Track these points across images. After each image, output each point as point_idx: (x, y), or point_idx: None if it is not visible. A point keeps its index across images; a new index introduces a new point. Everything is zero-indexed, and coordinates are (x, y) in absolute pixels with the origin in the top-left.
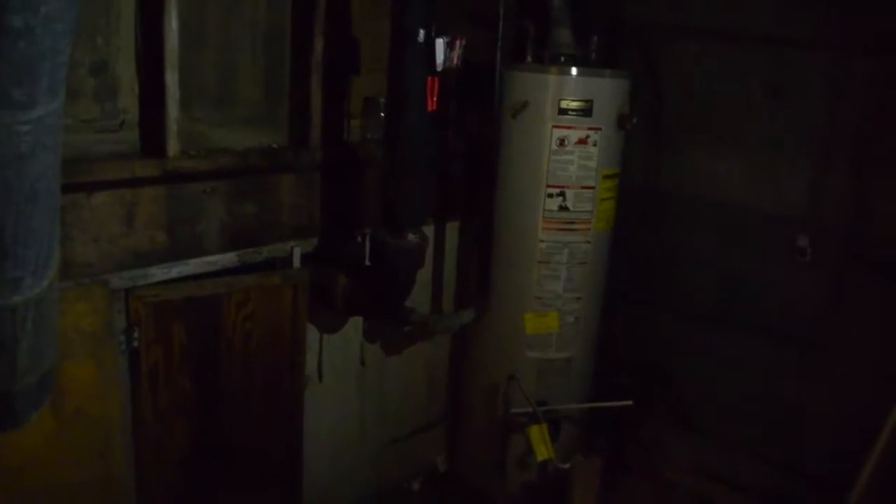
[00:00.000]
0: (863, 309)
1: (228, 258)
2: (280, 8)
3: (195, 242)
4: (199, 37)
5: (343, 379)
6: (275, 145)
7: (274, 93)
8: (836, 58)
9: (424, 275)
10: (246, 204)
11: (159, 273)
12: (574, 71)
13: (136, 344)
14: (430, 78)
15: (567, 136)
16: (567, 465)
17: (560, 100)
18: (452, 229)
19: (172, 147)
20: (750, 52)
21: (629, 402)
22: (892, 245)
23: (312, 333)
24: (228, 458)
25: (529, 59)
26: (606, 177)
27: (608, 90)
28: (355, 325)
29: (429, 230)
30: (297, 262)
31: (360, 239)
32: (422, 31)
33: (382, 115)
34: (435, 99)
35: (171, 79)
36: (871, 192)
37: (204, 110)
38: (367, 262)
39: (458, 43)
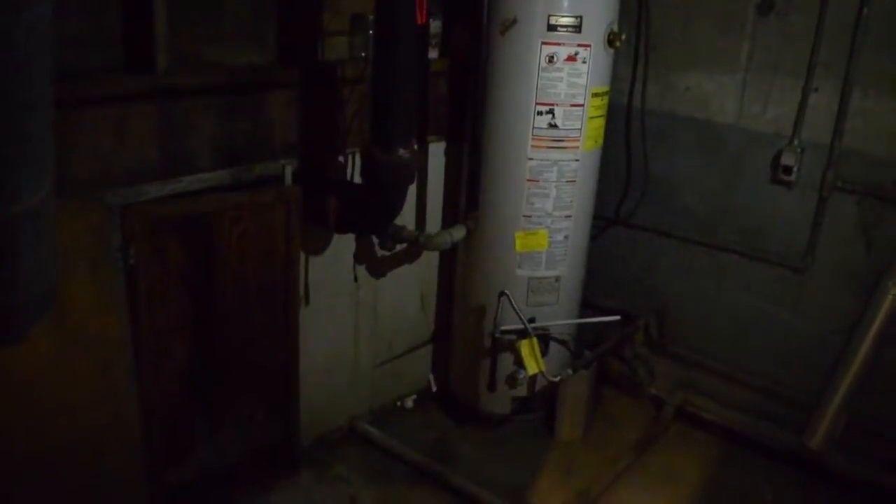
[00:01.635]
0: (838, 232)
1: (221, 176)
2: None
3: (188, 160)
4: None
5: (337, 296)
6: (264, 63)
7: (260, 10)
8: None
9: (411, 195)
10: (237, 121)
11: (153, 190)
12: None
13: (132, 261)
14: None
15: (556, 52)
16: (557, 378)
17: (550, 15)
18: (438, 150)
19: (161, 63)
20: None
21: (617, 317)
22: (864, 164)
23: (303, 252)
24: (226, 373)
25: None
26: (595, 95)
27: (598, 6)
28: (347, 242)
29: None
30: (288, 179)
31: (343, 158)
32: None
33: (371, 32)
34: (424, 12)
35: None
36: (852, 109)
37: (191, 27)
38: (359, 179)
39: None
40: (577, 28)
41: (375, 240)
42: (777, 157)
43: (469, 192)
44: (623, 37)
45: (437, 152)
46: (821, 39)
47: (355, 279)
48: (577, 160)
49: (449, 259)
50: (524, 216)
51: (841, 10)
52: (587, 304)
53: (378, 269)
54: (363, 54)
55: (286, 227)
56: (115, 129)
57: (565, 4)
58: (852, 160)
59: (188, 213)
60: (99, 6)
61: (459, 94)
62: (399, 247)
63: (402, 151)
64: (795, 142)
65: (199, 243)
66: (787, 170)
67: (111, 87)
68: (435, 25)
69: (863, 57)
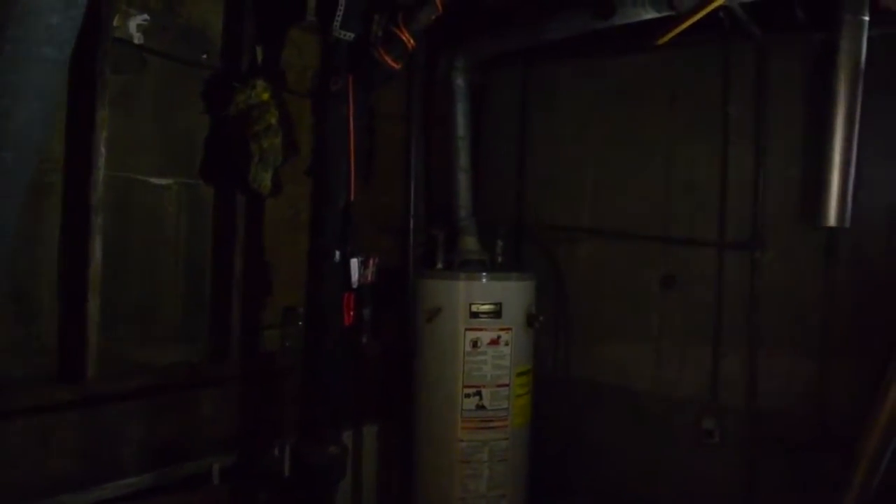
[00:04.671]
0: (773, 486)
1: (146, 479)
2: (200, 231)
3: (113, 464)
4: (123, 259)
5: None
6: (195, 360)
7: (194, 309)
8: (719, 253)
9: (345, 480)
10: (165, 423)
11: (73, 501)
12: (483, 276)
13: None
14: (346, 294)
15: (480, 337)
16: None
17: (471, 304)
18: (370, 434)
19: (92, 371)
20: (643, 249)
21: None
22: (783, 422)
23: None
24: None
25: (440, 265)
26: (520, 374)
27: (516, 292)
28: None
29: (347, 435)
30: (216, 478)
31: (278, 450)
32: (337, 253)
33: (300, 323)
34: (351, 313)
35: (94, 304)
36: (760, 371)
37: (123, 332)
38: (287, 475)
39: (371, 262)
40: (498, 313)
41: None
42: (699, 421)
43: (403, 477)
44: (541, 318)
45: (370, 437)
46: (722, 309)
47: None
48: (507, 439)
49: None
50: (459, 499)
51: (736, 281)
52: None
53: None
54: (295, 345)
55: None
56: (40, 439)
57: (485, 293)
58: (772, 419)
59: None
60: (33, 316)
61: (391, 377)
62: None
63: (332, 448)
64: (713, 406)
65: None
66: (710, 433)
67: (38, 398)
68: (366, 312)
69: (762, 321)
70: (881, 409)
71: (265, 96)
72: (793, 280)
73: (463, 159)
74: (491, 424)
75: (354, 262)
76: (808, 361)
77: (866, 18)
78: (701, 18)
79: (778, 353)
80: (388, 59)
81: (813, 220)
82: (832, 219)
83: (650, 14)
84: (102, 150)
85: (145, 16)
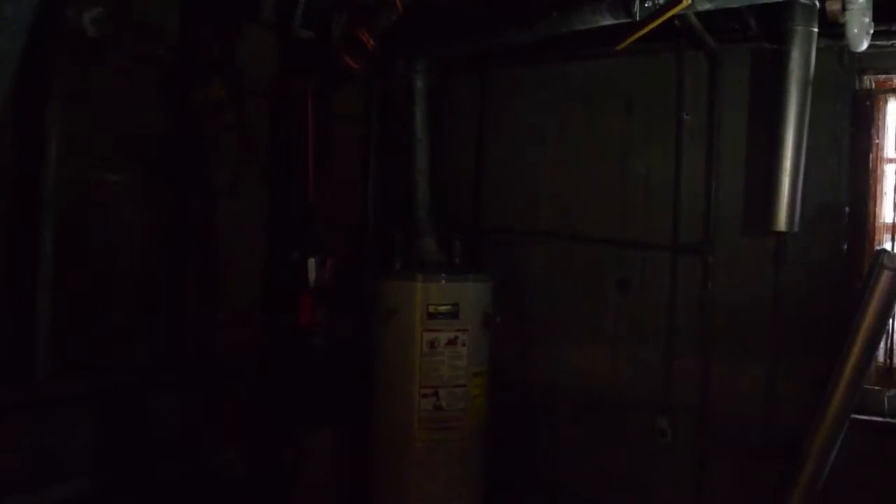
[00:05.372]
0: (723, 484)
1: (97, 481)
2: (156, 230)
3: (62, 466)
4: (75, 257)
5: None
6: (148, 360)
7: (148, 309)
8: (672, 257)
9: (302, 482)
10: (117, 423)
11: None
12: (440, 277)
13: None
14: (302, 294)
15: (437, 338)
16: None
17: (428, 305)
18: (328, 435)
19: (41, 370)
20: (599, 252)
21: None
22: (732, 422)
23: None
24: None
25: (398, 266)
26: (477, 374)
27: (472, 293)
28: None
29: (304, 437)
30: (169, 481)
31: (232, 455)
32: (295, 252)
33: (256, 323)
34: (308, 313)
35: (44, 301)
36: (712, 373)
37: (77, 328)
38: (243, 478)
39: (329, 262)
40: (455, 314)
41: None
42: (653, 421)
43: (361, 478)
44: (498, 319)
45: (328, 439)
46: (675, 311)
47: None
48: (464, 439)
49: None
50: (416, 499)
51: (689, 285)
52: None
53: None
54: (252, 345)
55: None
56: None
57: (442, 294)
58: (722, 419)
59: None
60: None
61: (349, 378)
62: None
63: (288, 450)
64: (667, 406)
65: None
66: (663, 433)
67: None
68: (323, 312)
69: (714, 324)
70: (826, 411)
71: (222, 94)
72: (743, 284)
73: (421, 161)
74: (448, 425)
75: (312, 263)
76: (758, 363)
77: (815, 30)
78: (657, 27)
79: (729, 356)
80: (348, 60)
81: (763, 224)
82: (782, 223)
83: (608, 20)
84: (55, 144)
85: (100, 9)
